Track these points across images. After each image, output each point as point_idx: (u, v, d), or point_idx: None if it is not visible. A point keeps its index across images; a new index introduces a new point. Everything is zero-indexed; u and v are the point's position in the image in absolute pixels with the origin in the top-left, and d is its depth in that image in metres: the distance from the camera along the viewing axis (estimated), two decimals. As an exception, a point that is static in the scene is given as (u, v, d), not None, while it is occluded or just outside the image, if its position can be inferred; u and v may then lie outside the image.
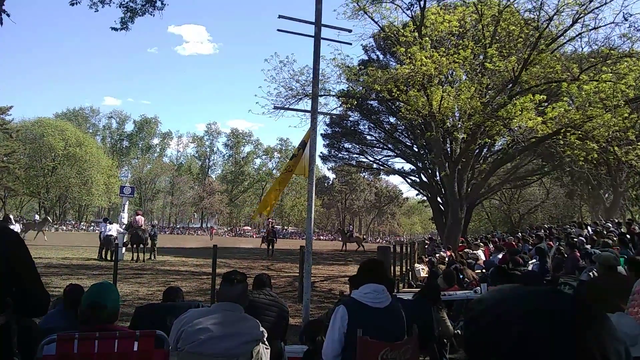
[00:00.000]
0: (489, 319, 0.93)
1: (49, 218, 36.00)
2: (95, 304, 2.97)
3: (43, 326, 3.98)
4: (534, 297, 0.94)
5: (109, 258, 19.37)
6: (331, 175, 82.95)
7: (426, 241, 27.06)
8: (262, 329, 3.57)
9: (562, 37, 18.39)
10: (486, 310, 0.95)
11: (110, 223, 21.44)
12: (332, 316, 3.86)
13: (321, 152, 38.46)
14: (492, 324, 0.91)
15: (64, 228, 64.51)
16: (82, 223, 74.29)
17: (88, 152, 71.69)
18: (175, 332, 3.30)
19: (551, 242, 15.86)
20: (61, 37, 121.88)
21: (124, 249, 19.76)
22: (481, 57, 18.45)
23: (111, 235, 20.10)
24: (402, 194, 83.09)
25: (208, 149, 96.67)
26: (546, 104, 18.43)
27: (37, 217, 39.61)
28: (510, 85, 18.26)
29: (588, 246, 11.53)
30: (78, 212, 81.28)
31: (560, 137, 17.48)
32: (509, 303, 0.94)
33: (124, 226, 20.24)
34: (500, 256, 12.59)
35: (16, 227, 20.59)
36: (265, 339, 3.60)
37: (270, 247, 26.17)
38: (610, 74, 15.85)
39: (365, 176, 74.70)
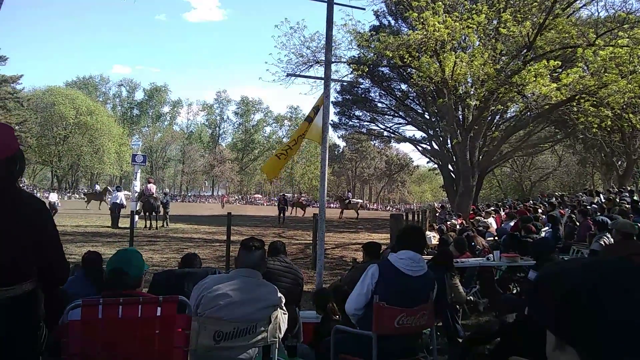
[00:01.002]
0: (556, 269, 0.98)
1: (109, 188, 36.43)
2: (119, 270, 3.03)
3: (67, 291, 4.08)
4: (605, 260, 0.98)
5: (120, 225, 19.63)
6: (341, 143, 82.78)
7: (437, 209, 27.08)
8: (279, 294, 3.63)
9: (578, 1, 18.00)
10: (556, 263, 1.01)
11: (119, 191, 21.66)
12: (364, 272, 3.95)
13: (332, 120, 38.24)
14: (558, 274, 0.96)
15: (77, 196, 65.14)
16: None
17: (99, 120, 71.86)
18: (195, 298, 3.37)
19: (563, 211, 15.85)
20: (69, 5, 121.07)
21: (137, 216, 20.00)
22: (495, 22, 18.10)
23: (117, 203, 20.35)
24: (412, 161, 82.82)
25: (218, 117, 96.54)
26: (561, 70, 18.13)
27: (97, 187, 40.00)
28: (525, 51, 17.93)
29: (599, 215, 11.48)
30: (90, 181, 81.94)
31: (574, 103, 17.25)
32: (579, 261, 1.00)
33: (136, 194, 20.40)
34: (512, 224, 12.60)
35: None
36: (282, 305, 3.66)
37: (282, 214, 26.40)
38: (627, 39, 15.52)
39: (376, 144, 74.35)
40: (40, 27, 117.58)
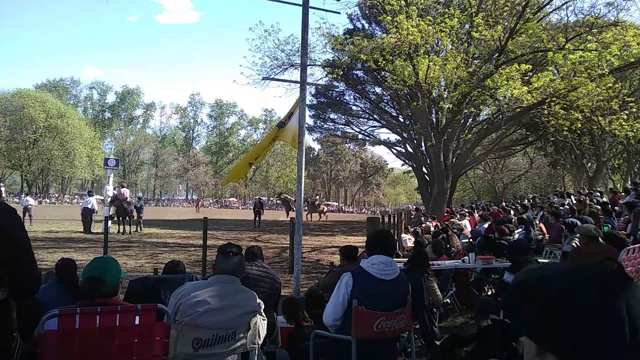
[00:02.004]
0: (535, 276, 0.98)
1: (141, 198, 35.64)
2: (95, 279, 2.98)
3: (40, 301, 3.99)
4: (582, 265, 0.99)
5: (92, 230, 19.34)
6: (317, 146, 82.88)
7: (412, 212, 27.27)
8: (258, 300, 3.62)
9: (548, 6, 18.34)
10: (533, 270, 1.01)
11: (91, 195, 21.33)
12: (338, 282, 3.95)
13: (307, 123, 38.02)
14: (537, 281, 0.96)
15: (47, 201, 63.95)
16: (65, 196, 73.66)
17: (70, 123, 70.59)
18: (173, 305, 3.33)
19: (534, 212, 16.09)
20: (38, 6, 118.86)
21: (110, 221, 19.73)
22: (467, 26, 18.35)
23: (88, 208, 20.03)
24: (387, 164, 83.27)
25: (192, 120, 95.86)
26: (531, 73, 18.44)
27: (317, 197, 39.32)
28: (497, 54, 18.20)
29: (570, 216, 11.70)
30: (61, 185, 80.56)
31: (545, 106, 17.55)
32: (557, 267, 1.00)
33: (108, 199, 20.12)
34: (486, 225, 12.75)
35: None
36: (262, 311, 3.64)
37: (257, 218, 26.31)
38: (596, 43, 15.87)
39: (351, 147, 74.72)
40: (7, 29, 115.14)
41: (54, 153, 69.57)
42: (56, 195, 74.08)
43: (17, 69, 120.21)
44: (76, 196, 70.03)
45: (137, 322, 2.79)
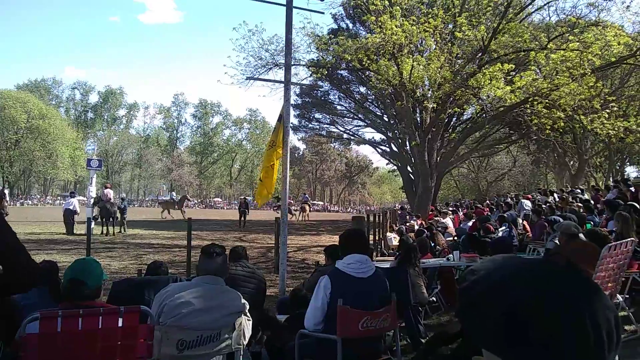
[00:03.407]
0: (482, 287, 0.95)
1: (187, 196, 35.08)
2: (77, 281, 2.95)
3: (18, 303, 3.94)
4: (527, 265, 0.97)
5: (75, 232, 19.13)
6: (302, 146, 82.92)
7: (398, 210, 27.34)
8: (243, 300, 3.60)
9: (530, 6, 18.53)
10: (479, 279, 0.97)
11: (73, 197, 21.11)
12: (316, 286, 3.95)
13: (292, 123, 38.08)
14: (486, 292, 0.93)
15: (29, 202, 63.18)
16: (48, 197, 72.82)
17: (52, 124, 69.85)
18: (157, 307, 3.31)
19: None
20: (18, 7, 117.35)
21: (93, 222, 19.54)
22: (451, 26, 18.48)
23: (70, 209, 19.82)
24: (372, 163, 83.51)
25: (176, 120, 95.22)
26: (514, 73, 18.62)
27: (174, 194, 38.56)
28: (480, 54, 18.35)
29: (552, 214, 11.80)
30: (44, 186, 79.64)
31: (528, 105, 17.75)
32: (503, 271, 0.96)
33: (92, 200, 19.92)
34: (470, 224, 12.83)
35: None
36: (247, 311, 3.63)
37: (243, 218, 26.24)
38: (578, 43, 16.05)
39: (336, 146, 74.76)
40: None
41: (36, 154, 68.80)
42: (38, 196, 73.19)
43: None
44: (59, 197, 69.25)
45: (120, 324, 2.77)
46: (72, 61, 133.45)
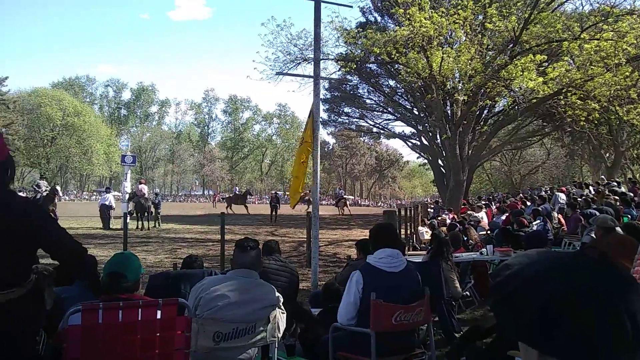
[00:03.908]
0: (516, 282, 0.96)
1: (250, 191, 36.04)
2: (116, 274, 3.04)
3: (59, 296, 4.06)
4: (560, 259, 0.97)
5: (111, 227, 19.53)
6: (331, 140, 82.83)
7: (430, 204, 27.12)
8: (277, 294, 3.65)
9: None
10: (514, 274, 0.98)
11: (109, 192, 21.55)
12: (348, 281, 3.97)
13: (321, 117, 38.22)
14: (521, 287, 0.94)
15: (66, 198, 64.69)
16: (84, 193, 74.45)
17: (86, 121, 71.33)
18: (193, 299, 3.38)
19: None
20: (51, 4, 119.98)
21: (128, 217, 19.94)
22: (481, 17, 18.20)
23: (106, 205, 20.25)
24: (402, 157, 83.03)
25: (207, 116, 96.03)
26: (547, 64, 18.27)
27: (237, 189, 39.66)
28: (511, 45, 18.05)
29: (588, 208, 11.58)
30: (80, 182, 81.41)
31: (561, 97, 17.41)
32: (537, 266, 0.97)
33: (127, 195, 20.32)
34: (503, 217, 12.69)
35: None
36: (281, 304, 3.68)
37: (274, 213, 26.37)
38: (612, 32, 15.66)
39: (366, 140, 74.61)
40: (23, 28, 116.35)
41: (72, 150, 70.39)
42: (75, 192, 74.88)
43: (33, 68, 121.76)
44: (94, 193, 70.72)
45: (158, 316, 2.84)
46: (105, 59, 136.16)
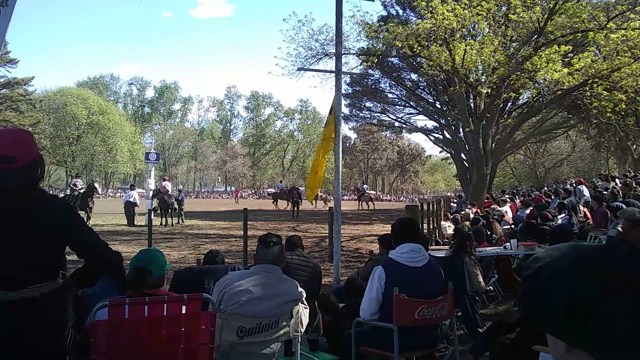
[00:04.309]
0: (546, 275, 0.95)
1: (297, 187, 36.71)
2: (142, 270, 3.08)
3: (85, 292, 4.14)
4: (590, 252, 0.96)
5: (136, 223, 19.80)
6: (353, 135, 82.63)
7: (453, 198, 26.92)
8: (300, 289, 3.67)
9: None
10: (543, 267, 0.98)
11: (133, 189, 21.85)
12: (370, 276, 3.97)
13: (342, 112, 38.03)
14: (550, 280, 0.94)
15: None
16: (109, 190, 75.47)
17: (111, 119, 72.26)
18: (217, 294, 3.41)
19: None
20: (73, 4, 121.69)
21: (152, 214, 20.18)
22: (504, 8, 17.97)
23: (130, 202, 20.55)
24: (424, 151, 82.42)
25: (229, 113, 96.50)
26: (572, 54, 17.99)
27: (282, 185, 40.23)
28: (535, 36, 17.80)
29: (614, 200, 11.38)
30: (104, 180, 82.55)
31: (587, 88, 17.11)
32: (566, 259, 0.96)
33: (151, 192, 20.57)
34: (528, 211, 12.54)
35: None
36: (304, 299, 3.69)
37: (296, 208, 26.43)
38: (639, 22, 15.36)
39: (387, 135, 74.23)
40: (47, 29, 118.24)
41: (97, 149, 71.41)
42: (100, 189, 75.91)
43: (59, 68, 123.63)
44: (119, 190, 71.63)
45: (183, 311, 2.88)
46: (128, 58, 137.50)
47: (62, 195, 23.97)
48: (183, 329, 2.88)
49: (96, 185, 19.98)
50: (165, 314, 2.84)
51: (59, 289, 2.52)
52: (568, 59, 16.99)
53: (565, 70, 15.86)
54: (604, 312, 0.85)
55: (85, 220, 19.15)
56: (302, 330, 3.71)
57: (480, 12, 16.38)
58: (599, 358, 0.87)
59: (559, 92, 17.56)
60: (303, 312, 3.68)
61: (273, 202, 34.05)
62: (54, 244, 2.51)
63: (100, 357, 2.71)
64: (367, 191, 37.26)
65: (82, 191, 19.52)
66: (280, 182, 50.88)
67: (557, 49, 15.95)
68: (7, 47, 49.32)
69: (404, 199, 74.58)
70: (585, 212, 12.42)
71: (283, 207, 31.15)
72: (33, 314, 2.39)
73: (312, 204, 27.85)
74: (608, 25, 15.79)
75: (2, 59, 50.68)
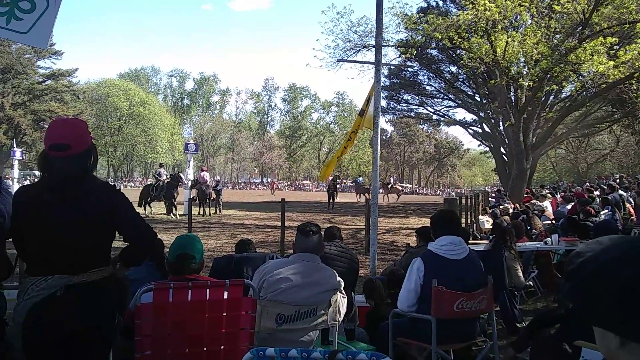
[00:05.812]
0: (592, 268, 0.94)
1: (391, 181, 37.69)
2: (185, 255, 3.15)
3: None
4: (635, 244, 0.95)
5: (174, 212, 20.01)
6: (389, 128, 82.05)
7: (491, 193, 26.53)
8: (339, 278, 3.69)
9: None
10: (588, 260, 0.97)
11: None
12: (409, 268, 3.96)
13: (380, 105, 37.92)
14: (597, 273, 0.93)
15: (132, 185, 67.07)
16: (148, 180, 76.89)
17: (151, 110, 73.70)
18: (257, 282, 3.45)
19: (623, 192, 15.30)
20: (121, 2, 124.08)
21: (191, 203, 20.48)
22: (548, -1, 17.58)
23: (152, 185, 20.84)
24: (462, 145, 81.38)
25: (266, 105, 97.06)
26: (618, 46, 17.48)
27: (360, 179, 41.15)
28: (580, 28, 17.34)
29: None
30: (144, 170, 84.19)
31: (633, 81, 16.62)
32: (612, 252, 0.95)
33: (189, 182, 20.90)
34: (569, 207, 12.28)
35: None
36: (342, 288, 3.71)
37: (331, 200, 26.46)
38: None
39: (425, 128, 73.44)
40: (90, 21, 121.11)
41: (137, 139, 72.98)
42: (140, 179, 77.50)
43: (102, 60, 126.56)
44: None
45: (225, 296, 2.94)
46: (169, 49, 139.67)
47: (148, 183, 24.67)
48: (225, 314, 2.94)
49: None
50: (207, 298, 2.91)
51: (108, 277, 2.61)
52: (614, 51, 16.53)
53: (611, 62, 15.44)
54: None
55: (169, 210, 19.63)
56: (340, 319, 3.73)
57: (523, 3, 16.06)
58: None
59: (604, 85, 17.12)
60: (341, 301, 3.70)
61: (357, 195, 34.77)
62: (107, 228, 2.60)
63: (144, 339, 2.80)
64: (395, 185, 37.26)
65: (167, 181, 19.98)
66: (359, 177, 50.63)
67: (603, 40, 15.53)
68: (52, 39, 50.65)
69: (441, 193, 73.82)
70: (629, 209, 12.10)
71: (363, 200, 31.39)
72: (95, 297, 2.49)
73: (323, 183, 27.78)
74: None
75: (48, 51, 52.08)
